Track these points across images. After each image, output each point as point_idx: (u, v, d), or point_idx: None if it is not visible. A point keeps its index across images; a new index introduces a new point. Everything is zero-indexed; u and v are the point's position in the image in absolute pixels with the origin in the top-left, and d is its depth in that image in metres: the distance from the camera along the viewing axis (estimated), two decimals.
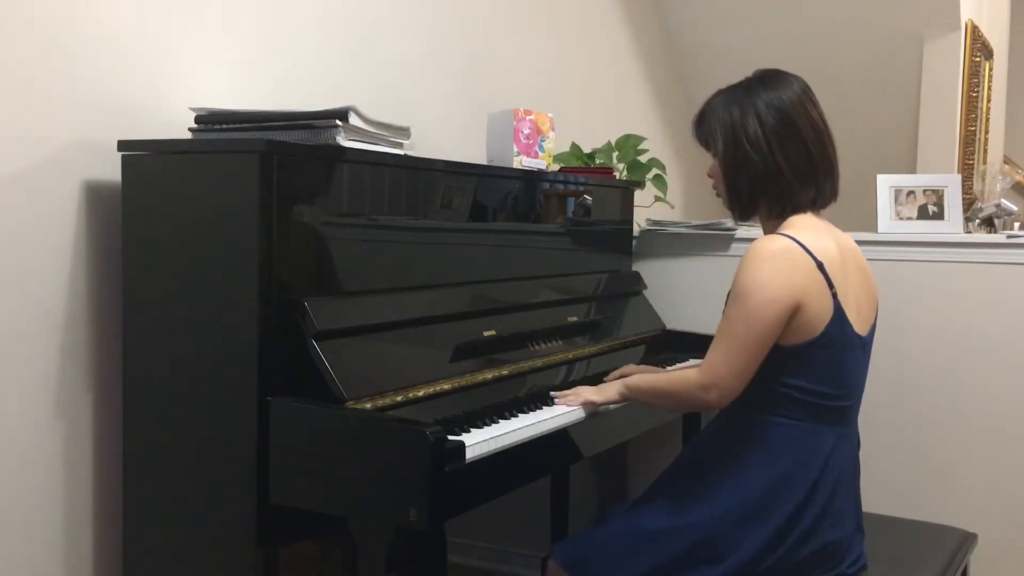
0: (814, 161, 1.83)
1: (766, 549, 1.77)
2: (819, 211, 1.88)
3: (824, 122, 1.86)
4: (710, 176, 1.94)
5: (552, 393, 2.03)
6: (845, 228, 1.96)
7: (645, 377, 2.00)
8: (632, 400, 2.01)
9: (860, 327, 1.83)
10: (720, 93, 1.91)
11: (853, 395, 1.86)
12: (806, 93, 1.86)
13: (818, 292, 1.75)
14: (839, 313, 1.77)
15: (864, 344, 1.86)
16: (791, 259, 1.75)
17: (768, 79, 1.87)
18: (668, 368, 2.32)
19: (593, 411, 2.02)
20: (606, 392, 2.01)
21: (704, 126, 1.92)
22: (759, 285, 1.73)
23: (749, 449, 1.82)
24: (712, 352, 1.77)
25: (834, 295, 1.77)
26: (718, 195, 1.94)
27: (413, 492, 1.57)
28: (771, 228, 1.86)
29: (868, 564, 1.90)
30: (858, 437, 1.92)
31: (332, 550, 1.93)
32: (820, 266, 1.76)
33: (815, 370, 1.78)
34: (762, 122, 1.81)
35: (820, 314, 1.75)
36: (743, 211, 1.90)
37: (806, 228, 1.81)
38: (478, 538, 3.05)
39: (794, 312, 1.74)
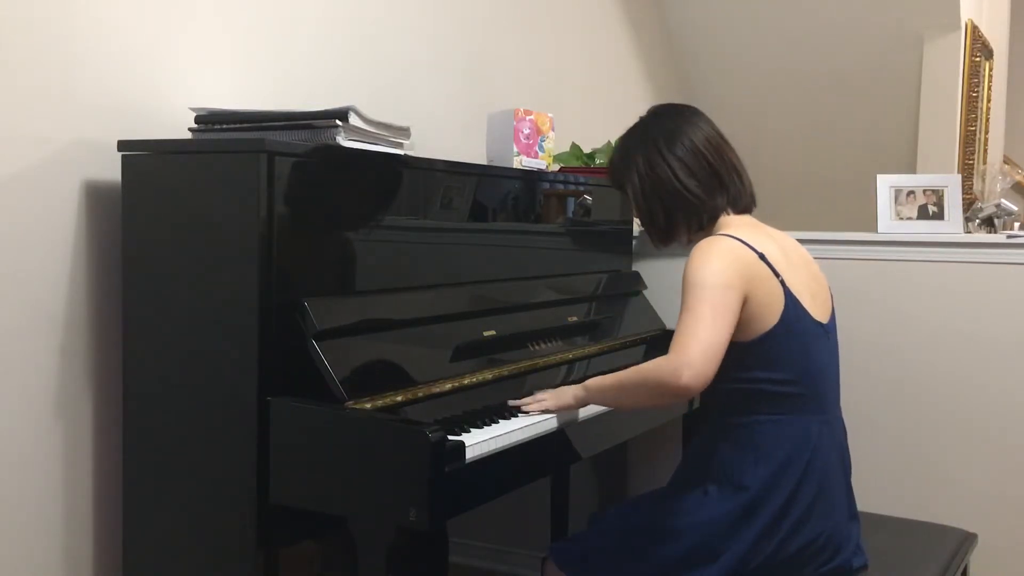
0: (716, 169, 1.92)
1: (759, 543, 1.78)
2: (741, 212, 1.95)
3: (719, 133, 1.96)
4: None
5: (511, 402, 1.97)
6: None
7: (607, 376, 1.92)
8: (593, 402, 1.95)
9: (819, 314, 1.87)
10: (619, 141, 2.02)
11: (826, 381, 1.88)
12: (696, 114, 1.98)
13: (765, 280, 1.79)
14: (791, 299, 1.81)
15: (827, 331, 1.90)
16: (735, 252, 1.80)
17: (660, 113, 2.00)
18: None
19: (566, 415, 1.97)
20: (562, 397, 1.95)
21: (615, 175, 2.02)
22: (714, 274, 1.75)
23: (739, 451, 1.82)
24: (680, 336, 1.74)
25: (782, 282, 1.81)
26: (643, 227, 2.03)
27: (413, 492, 1.57)
28: (699, 240, 1.88)
29: (868, 564, 1.90)
30: (843, 424, 1.94)
31: (332, 550, 1.93)
32: (761, 256, 1.80)
33: (782, 361, 1.81)
34: (665, 155, 1.91)
35: (772, 302, 1.79)
36: (663, 234, 1.97)
37: (739, 227, 1.88)
38: (478, 538, 3.05)
39: (745, 301, 1.77)
